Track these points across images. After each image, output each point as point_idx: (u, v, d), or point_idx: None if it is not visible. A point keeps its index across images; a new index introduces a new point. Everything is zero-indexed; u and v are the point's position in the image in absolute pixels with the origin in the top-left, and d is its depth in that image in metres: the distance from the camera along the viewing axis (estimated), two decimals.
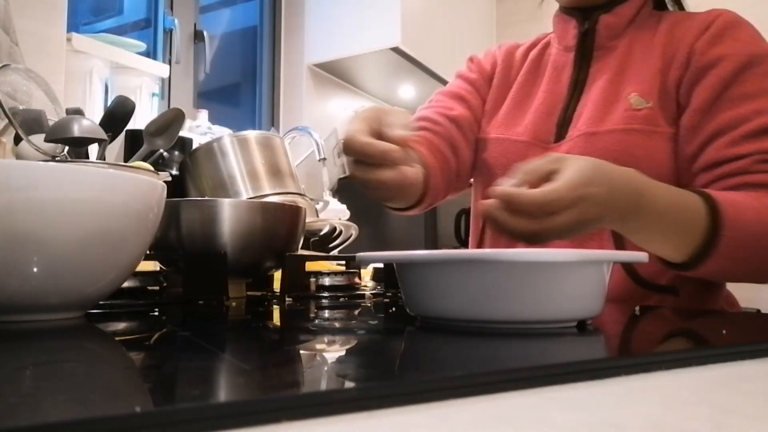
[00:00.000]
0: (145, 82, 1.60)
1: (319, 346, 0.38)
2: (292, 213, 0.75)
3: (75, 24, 1.73)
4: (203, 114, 1.83)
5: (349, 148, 0.65)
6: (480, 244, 0.93)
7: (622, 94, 0.80)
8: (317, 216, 1.27)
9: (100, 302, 0.50)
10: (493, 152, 0.91)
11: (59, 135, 0.79)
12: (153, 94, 1.63)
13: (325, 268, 0.81)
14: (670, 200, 0.62)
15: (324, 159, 1.79)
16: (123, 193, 0.44)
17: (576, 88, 0.86)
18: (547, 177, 0.54)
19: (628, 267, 0.78)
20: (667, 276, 0.77)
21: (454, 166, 0.94)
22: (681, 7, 0.91)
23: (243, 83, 2.44)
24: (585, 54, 0.87)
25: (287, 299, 0.67)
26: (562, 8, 0.90)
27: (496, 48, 1.03)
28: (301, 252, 0.83)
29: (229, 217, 0.68)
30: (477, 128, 0.97)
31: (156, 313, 0.53)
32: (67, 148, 0.85)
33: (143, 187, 0.47)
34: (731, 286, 0.86)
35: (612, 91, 0.81)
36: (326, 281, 0.74)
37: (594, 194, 0.54)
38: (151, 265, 0.70)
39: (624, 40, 0.84)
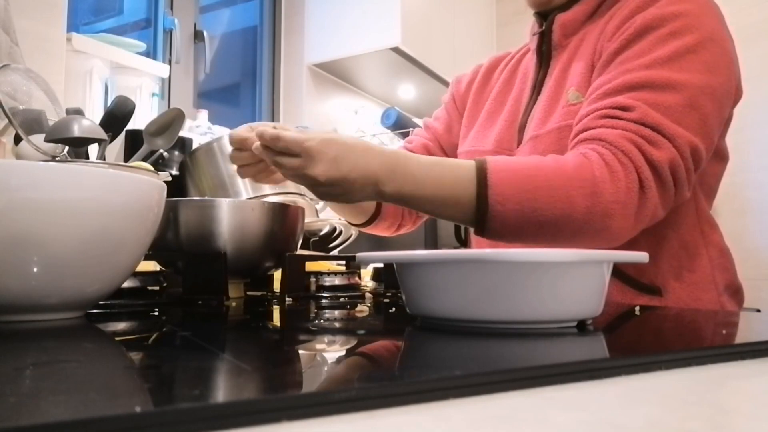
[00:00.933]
0: (145, 82, 1.60)
1: (319, 346, 0.38)
2: (292, 213, 0.75)
3: (75, 24, 1.73)
4: (203, 114, 1.83)
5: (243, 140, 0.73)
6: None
7: (563, 91, 0.80)
8: (317, 216, 1.27)
9: (100, 302, 0.50)
10: None
11: (59, 135, 0.79)
12: (153, 94, 1.63)
13: (325, 268, 0.81)
14: (428, 164, 0.65)
15: None
16: (123, 193, 0.44)
17: (535, 91, 0.86)
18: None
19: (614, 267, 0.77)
20: (648, 274, 0.76)
21: None
22: None
23: (243, 83, 2.44)
24: (544, 55, 0.87)
25: (287, 299, 0.67)
26: (534, 12, 0.91)
27: (485, 61, 1.05)
28: (301, 252, 0.83)
29: (228, 217, 0.68)
30: (444, 149, 1.02)
31: (156, 313, 0.53)
32: (67, 148, 0.85)
33: (143, 187, 0.47)
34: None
35: (556, 90, 0.81)
36: (326, 281, 0.74)
37: (349, 152, 0.62)
38: (151, 265, 0.70)
39: (578, 36, 0.83)
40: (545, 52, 0.87)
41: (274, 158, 0.64)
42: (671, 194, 0.67)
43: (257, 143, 0.66)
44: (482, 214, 0.64)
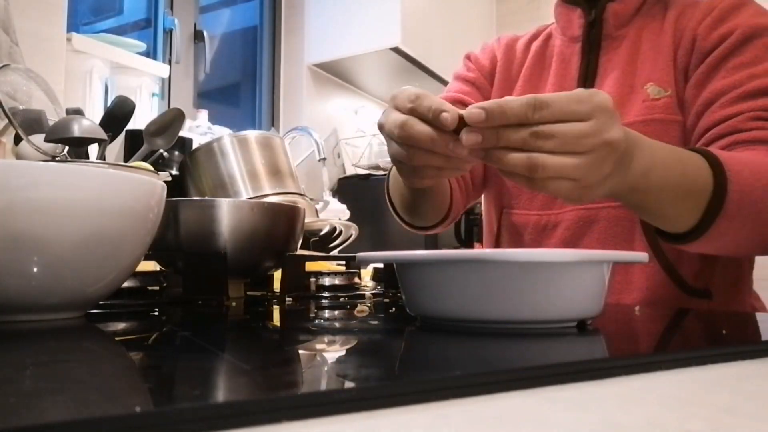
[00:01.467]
0: (145, 82, 1.60)
1: (319, 346, 0.38)
2: (292, 213, 0.75)
3: (75, 24, 1.73)
4: (203, 114, 1.83)
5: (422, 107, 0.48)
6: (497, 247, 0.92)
7: (637, 85, 0.79)
8: (317, 216, 1.27)
9: (100, 302, 0.50)
10: None
11: (59, 135, 0.79)
12: (153, 94, 1.63)
13: (325, 268, 0.81)
14: (664, 146, 0.56)
15: (324, 159, 1.79)
16: (123, 193, 0.44)
17: (587, 80, 0.84)
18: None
19: (667, 267, 0.76)
20: (702, 277, 0.77)
21: (469, 178, 0.94)
22: None
23: (243, 83, 2.44)
24: (592, 44, 0.85)
25: (287, 299, 0.67)
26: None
27: (494, 41, 1.00)
28: (300, 252, 0.83)
29: (228, 217, 0.68)
30: None
31: (156, 313, 0.53)
32: (67, 148, 0.85)
33: (143, 187, 0.47)
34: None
35: (626, 82, 0.80)
36: (326, 281, 0.74)
37: (612, 138, 0.47)
38: (151, 265, 0.70)
39: (632, 29, 0.83)
40: (594, 41, 0.85)
41: (529, 137, 0.45)
42: None
43: (469, 135, 0.46)
44: (709, 219, 0.58)
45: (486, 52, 0.99)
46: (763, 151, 0.65)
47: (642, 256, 0.45)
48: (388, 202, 0.92)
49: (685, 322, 0.54)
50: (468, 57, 1.01)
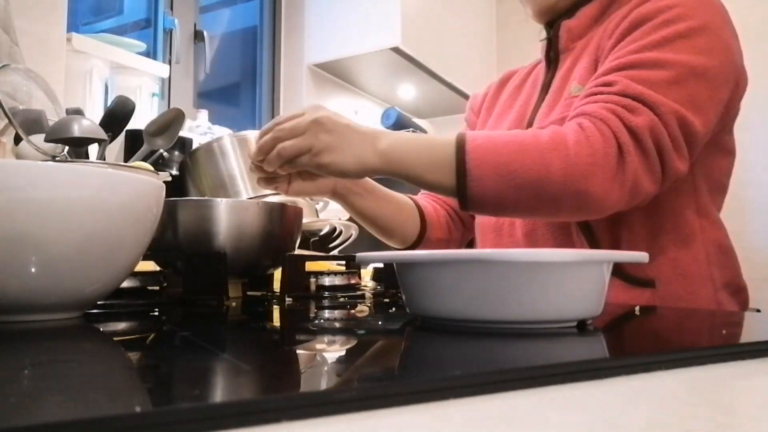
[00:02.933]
0: (145, 82, 1.60)
1: (319, 346, 0.38)
2: (290, 213, 0.75)
3: (75, 24, 1.73)
4: (203, 114, 1.83)
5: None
6: None
7: (567, 87, 0.82)
8: (317, 216, 1.27)
9: (100, 302, 0.50)
10: None
11: (59, 135, 0.79)
12: (153, 94, 1.63)
13: (325, 268, 0.81)
14: (412, 137, 0.69)
15: None
16: (123, 193, 0.44)
17: (543, 91, 0.88)
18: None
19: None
20: (643, 267, 0.77)
21: (455, 211, 1.01)
22: None
23: (243, 83, 2.44)
24: (552, 60, 0.90)
25: (287, 299, 0.67)
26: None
27: (497, 77, 1.07)
28: (300, 252, 0.83)
29: (227, 217, 0.68)
30: None
31: (156, 313, 0.53)
32: (67, 148, 0.85)
33: (142, 187, 0.47)
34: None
35: (561, 87, 0.84)
36: (326, 281, 0.74)
37: (330, 121, 0.67)
38: (152, 265, 0.70)
39: (584, 40, 0.85)
40: (553, 57, 0.89)
41: (283, 150, 0.67)
42: (654, 161, 0.67)
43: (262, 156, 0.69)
44: (462, 181, 0.66)
45: (484, 89, 1.08)
46: (571, 122, 0.68)
47: (642, 255, 0.45)
48: None
49: (684, 322, 0.54)
50: (470, 98, 1.11)
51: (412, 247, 0.97)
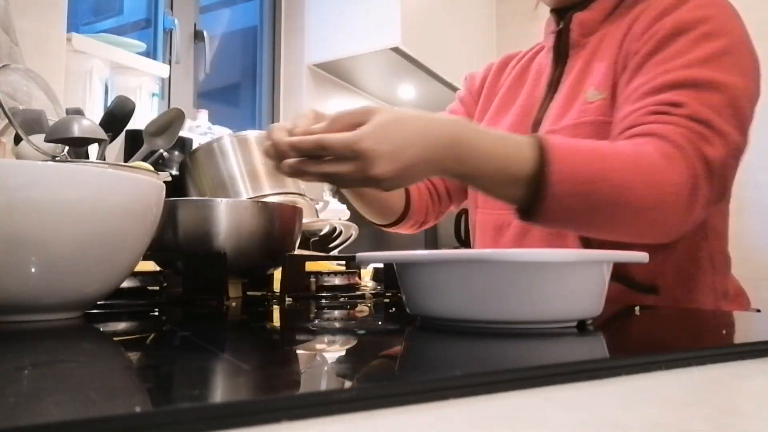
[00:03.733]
0: (145, 82, 1.60)
1: (319, 346, 0.38)
2: (289, 213, 0.75)
3: (75, 24, 1.73)
4: (203, 114, 1.83)
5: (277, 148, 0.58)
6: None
7: (582, 90, 0.80)
8: (317, 216, 1.27)
9: (100, 302, 0.50)
10: None
11: (59, 135, 0.79)
12: (153, 94, 1.63)
13: (325, 268, 0.81)
14: (492, 140, 0.60)
15: None
16: (122, 193, 0.44)
17: (551, 88, 0.86)
18: (355, 126, 0.55)
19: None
20: (646, 273, 0.76)
21: (437, 187, 1.00)
22: None
23: (243, 83, 2.44)
24: (561, 53, 0.87)
25: (287, 299, 0.67)
26: (550, 10, 0.91)
27: (496, 60, 1.05)
28: (300, 252, 0.83)
29: (227, 217, 0.68)
30: None
31: (156, 313, 0.53)
32: (67, 148, 0.85)
33: (142, 187, 0.47)
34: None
35: (575, 88, 0.82)
36: (326, 281, 0.74)
37: (408, 138, 0.55)
38: (152, 265, 0.70)
39: (597, 35, 0.83)
40: (562, 50, 0.87)
41: (319, 169, 0.56)
42: (719, 192, 0.67)
43: (288, 159, 0.57)
44: (539, 195, 0.60)
45: (482, 71, 1.05)
46: (646, 142, 0.66)
47: (641, 255, 0.45)
48: None
49: (684, 323, 0.54)
50: (465, 77, 1.08)
51: (397, 222, 0.97)
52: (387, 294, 0.75)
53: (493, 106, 0.95)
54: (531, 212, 0.63)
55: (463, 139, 0.59)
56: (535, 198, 0.61)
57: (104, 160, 0.89)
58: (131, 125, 1.01)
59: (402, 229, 1.01)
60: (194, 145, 1.39)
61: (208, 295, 0.62)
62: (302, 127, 0.57)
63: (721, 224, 0.82)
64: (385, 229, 1.01)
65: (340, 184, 0.59)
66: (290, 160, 0.57)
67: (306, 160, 0.56)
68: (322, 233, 1.17)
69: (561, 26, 0.86)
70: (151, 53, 1.89)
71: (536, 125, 0.85)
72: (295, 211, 0.76)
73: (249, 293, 0.74)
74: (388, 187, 0.58)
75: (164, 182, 0.52)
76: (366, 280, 0.88)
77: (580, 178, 0.61)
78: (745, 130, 0.69)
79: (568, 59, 0.86)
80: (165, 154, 1.11)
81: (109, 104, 0.99)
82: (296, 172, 0.57)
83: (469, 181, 0.63)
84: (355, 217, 1.63)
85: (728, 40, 0.70)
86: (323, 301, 0.69)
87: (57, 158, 0.85)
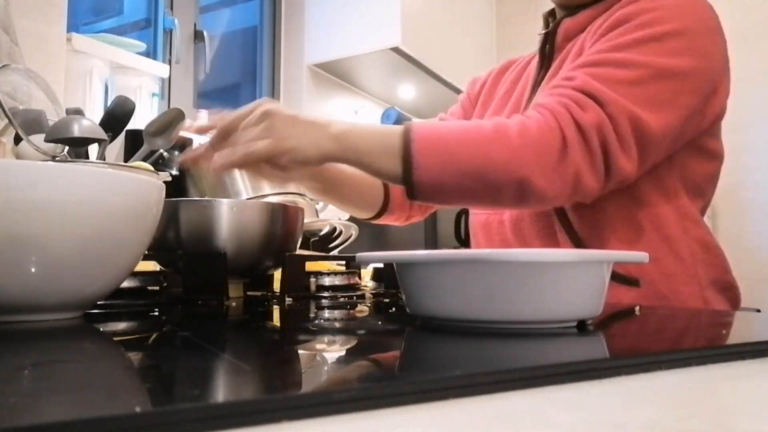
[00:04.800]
0: (145, 82, 1.60)
1: (319, 346, 0.38)
2: (292, 213, 0.75)
3: (75, 24, 1.73)
4: (203, 114, 1.83)
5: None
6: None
7: None
8: (317, 216, 1.26)
9: (100, 302, 0.50)
10: None
11: (59, 135, 0.79)
12: (153, 94, 1.63)
13: (325, 268, 0.81)
14: (374, 127, 0.69)
15: None
16: (122, 193, 0.44)
17: (534, 91, 0.88)
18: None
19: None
20: (625, 266, 0.77)
21: None
22: None
23: (243, 83, 2.44)
24: (546, 56, 0.89)
25: (287, 299, 0.67)
26: (547, 13, 0.92)
27: (498, 61, 1.08)
28: (300, 252, 0.83)
29: (228, 217, 0.68)
30: None
31: (156, 313, 0.53)
32: (67, 148, 0.85)
33: (142, 187, 0.47)
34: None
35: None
36: (326, 281, 0.74)
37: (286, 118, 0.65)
38: (152, 265, 0.70)
39: (576, 42, 0.84)
40: (548, 53, 0.88)
41: (234, 149, 0.64)
42: (598, 159, 0.67)
43: (210, 146, 0.67)
44: (407, 165, 0.66)
45: (484, 75, 1.07)
46: (522, 114, 0.69)
47: (642, 255, 0.45)
48: None
49: (684, 322, 0.54)
50: (469, 81, 1.10)
51: (375, 217, 0.99)
52: (387, 294, 0.75)
53: (489, 112, 0.97)
54: (410, 186, 0.67)
55: (348, 125, 0.68)
56: (407, 171, 0.66)
57: (104, 160, 0.89)
58: (131, 125, 1.00)
59: (388, 221, 1.02)
60: (194, 145, 1.39)
61: (208, 295, 0.62)
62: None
63: (694, 212, 0.82)
64: (370, 221, 1.02)
65: (253, 157, 0.64)
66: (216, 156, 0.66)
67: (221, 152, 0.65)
68: (322, 233, 1.17)
69: (549, 29, 0.88)
70: (151, 53, 1.89)
71: None
72: (296, 211, 0.76)
73: (249, 293, 0.74)
74: (279, 139, 0.64)
75: (164, 182, 0.52)
76: (366, 280, 0.88)
77: (441, 150, 0.66)
78: (661, 107, 0.69)
79: (552, 62, 0.87)
80: (165, 154, 1.11)
81: (109, 104, 0.99)
82: (221, 165, 0.65)
83: (350, 153, 0.67)
84: (355, 217, 1.63)
85: (666, 27, 0.70)
86: (323, 301, 0.69)
87: (57, 158, 0.85)
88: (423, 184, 0.66)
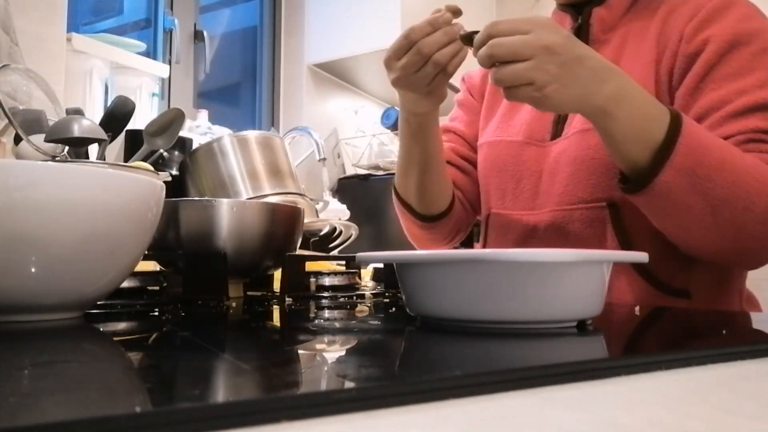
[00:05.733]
0: (145, 82, 1.60)
1: (319, 346, 0.38)
2: (291, 213, 0.75)
3: (75, 24, 1.73)
4: (203, 114, 1.83)
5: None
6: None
7: None
8: (317, 216, 1.27)
9: (100, 302, 0.50)
10: (489, 155, 0.91)
11: (59, 135, 0.79)
12: (153, 94, 1.63)
13: (325, 268, 0.81)
14: (645, 99, 0.64)
15: (324, 159, 1.79)
16: (122, 193, 0.44)
17: None
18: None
19: (641, 268, 0.76)
20: (680, 278, 0.76)
21: (467, 196, 0.98)
22: None
23: (243, 83, 2.44)
24: None
25: (287, 299, 0.67)
26: (558, 5, 0.90)
27: None
28: (301, 252, 0.83)
29: (228, 217, 0.68)
30: (472, 147, 0.99)
31: (156, 313, 0.53)
32: (67, 148, 0.85)
33: (142, 187, 0.47)
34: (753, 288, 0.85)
35: None
36: (326, 281, 0.74)
37: (564, 45, 0.61)
38: (152, 265, 0.70)
39: (619, 31, 0.83)
40: None
41: (500, 77, 0.61)
42: None
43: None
44: (661, 159, 0.62)
45: (481, 69, 1.03)
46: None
47: (642, 255, 0.45)
48: (396, 199, 0.95)
49: (685, 323, 0.54)
50: (463, 77, 1.07)
51: (438, 218, 0.93)
52: (387, 294, 0.75)
53: (505, 102, 0.93)
54: (644, 180, 0.63)
55: (626, 80, 0.63)
56: (656, 165, 0.62)
57: (104, 160, 0.89)
58: (131, 125, 1.01)
59: (441, 232, 0.96)
60: (194, 145, 1.39)
61: (208, 295, 0.62)
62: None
63: None
64: (424, 226, 0.95)
65: (513, 83, 0.61)
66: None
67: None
68: (322, 233, 1.17)
69: (579, 22, 0.85)
70: (151, 53, 1.90)
71: (561, 122, 0.83)
72: (297, 212, 0.76)
73: (249, 293, 0.74)
74: (552, 95, 0.60)
75: (164, 182, 0.52)
76: (366, 280, 0.88)
77: (704, 160, 0.61)
78: None
79: None
80: (165, 154, 1.11)
81: (109, 104, 0.99)
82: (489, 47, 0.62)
83: (608, 125, 0.64)
84: (355, 217, 1.63)
85: None
86: (323, 301, 0.69)
87: (57, 158, 0.85)
88: (662, 185, 0.63)
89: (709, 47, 0.73)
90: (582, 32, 0.85)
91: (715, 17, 0.74)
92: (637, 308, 0.61)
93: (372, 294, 0.75)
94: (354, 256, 0.53)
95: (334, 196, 1.99)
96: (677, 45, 0.76)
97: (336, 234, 1.19)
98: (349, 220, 1.41)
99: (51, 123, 0.84)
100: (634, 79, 0.75)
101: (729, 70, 0.71)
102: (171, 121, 1.00)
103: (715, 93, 0.71)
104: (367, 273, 0.92)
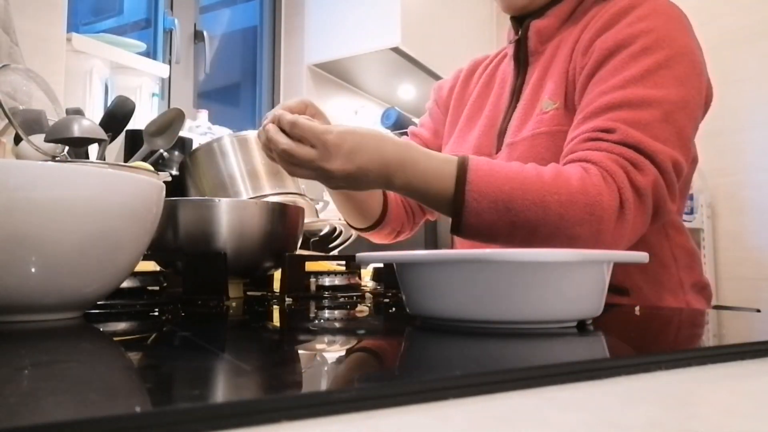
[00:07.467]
0: (145, 82, 1.60)
1: (319, 346, 0.38)
2: (292, 213, 0.75)
3: (75, 24, 1.73)
4: (203, 114, 1.83)
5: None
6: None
7: (539, 99, 0.81)
8: (317, 216, 1.27)
9: (100, 302, 0.50)
10: None
11: (59, 135, 0.79)
12: (153, 94, 1.63)
13: (325, 268, 0.81)
14: (436, 162, 0.67)
15: None
16: (122, 193, 0.44)
17: (513, 97, 0.87)
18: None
19: None
20: (618, 276, 0.76)
21: (409, 202, 1.00)
22: None
23: (243, 83, 2.44)
24: (521, 62, 0.87)
25: (287, 299, 0.67)
26: (510, 17, 0.91)
27: (465, 66, 1.04)
28: (300, 252, 0.83)
29: (228, 217, 0.68)
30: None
31: (156, 313, 0.53)
32: (67, 148, 0.85)
33: (142, 187, 0.47)
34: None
35: (533, 98, 0.82)
36: (326, 281, 0.74)
37: (364, 144, 0.64)
38: (152, 265, 0.70)
39: (554, 42, 0.84)
40: (522, 59, 0.87)
41: (284, 147, 0.64)
42: (649, 215, 0.68)
43: (265, 130, 0.66)
44: (459, 209, 0.65)
45: (450, 79, 1.05)
46: (576, 166, 0.67)
47: (642, 255, 0.45)
48: None
49: (684, 323, 0.54)
50: (434, 87, 1.08)
51: (373, 227, 0.97)
52: (387, 294, 0.75)
53: (463, 117, 0.96)
54: (458, 226, 0.67)
55: (409, 156, 0.66)
56: (457, 213, 0.66)
57: (104, 160, 0.89)
58: (131, 125, 1.01)
59: (378, 236, 1.00)
60: (194, 145, 1.39)
61: (208, 295, 0.62)
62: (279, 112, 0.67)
63: (676, 219, 0.83)
64: (360, 233, 1.01)
65: (294, 167, 0.65)
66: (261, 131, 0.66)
67: (278, 136, 0.65)
68: (322, 233, 1.17)
69: (519, 35, 0.87)
70: (151, 53, 1.89)
71: (501, 135, 0.85)
72: (297, 211, 0.76)
73: (249, 293, 0.74)
74: (334, 185, 0.66)
75: (164, 182, 0.52)
76: (366, 280, 0.88)
77: (496, 197, 0.64)
78: (685, 140, 0.70)
79: (528, 67, 0.86)
80: (165, 154, 1.11)
81: (109, 104, 0.99)
82: (267, 142, 0.65)
83: (410, 196, 0.69)
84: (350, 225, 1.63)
85: (668, 51, 0.70)
86: (323, 301, 0.69)
87: (57, 158, 0.85)
88: (472, 227, 0.66)
89: (593, 57, 0.74)
90: (522, 44, 0.87)
91: (612, 24, 0.75)
92: (637, 308, 0.61)
93: (372, 294, 0.75)
94: (354, 256, 0.53)
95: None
96: (579, 57, 0.77)
97: (336, 234, 1.19)
98: None
99: (51, 123, 0.84)
100: (550, 90, 0.78)
101: (602, 75, 0.72)
102: (171, 121, 1.00)
103: (585, 98, 0.73)
104: (367, 273, 0.92)
